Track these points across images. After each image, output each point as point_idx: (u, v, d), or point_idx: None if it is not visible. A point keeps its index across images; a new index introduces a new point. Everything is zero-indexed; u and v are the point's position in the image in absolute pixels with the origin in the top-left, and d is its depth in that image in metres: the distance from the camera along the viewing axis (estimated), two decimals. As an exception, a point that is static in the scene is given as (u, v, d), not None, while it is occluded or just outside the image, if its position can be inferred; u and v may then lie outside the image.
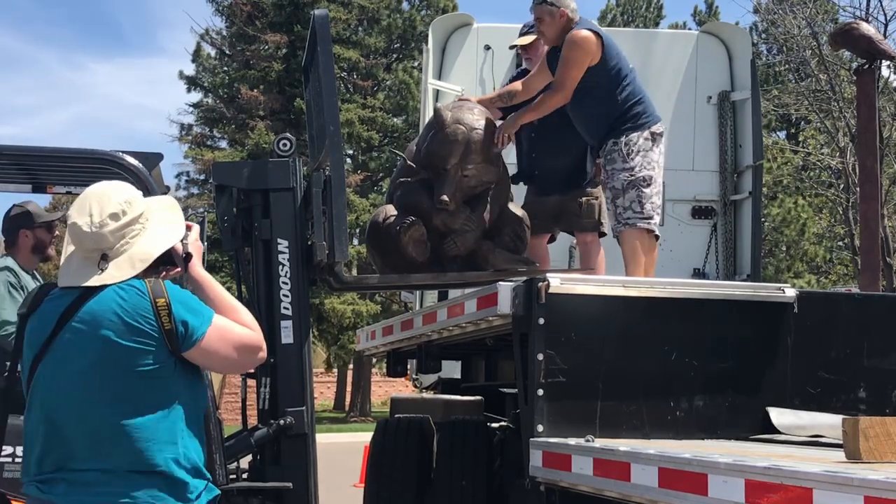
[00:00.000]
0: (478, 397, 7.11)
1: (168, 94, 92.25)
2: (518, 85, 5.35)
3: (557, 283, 3.62)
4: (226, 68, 30.86)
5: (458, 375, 7.63)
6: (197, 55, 30.83)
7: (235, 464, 4.37)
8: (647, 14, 34.76)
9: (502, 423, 5.94)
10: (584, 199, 5.41)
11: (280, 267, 4.29)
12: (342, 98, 29.12)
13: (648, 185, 4.91)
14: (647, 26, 31.60)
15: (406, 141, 28.86)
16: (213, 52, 31.26)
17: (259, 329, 2.73)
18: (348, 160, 30.53)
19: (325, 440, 21.68)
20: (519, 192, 5.78)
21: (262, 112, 28.26)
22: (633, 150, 4.92)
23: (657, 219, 4.94)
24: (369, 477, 6.32)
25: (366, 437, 7.50)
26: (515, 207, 5.22)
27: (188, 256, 2.74)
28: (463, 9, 31.80)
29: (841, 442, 2.71)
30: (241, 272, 4.48)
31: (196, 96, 31.46)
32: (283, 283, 4.27)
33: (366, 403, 30.25)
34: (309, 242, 4.39)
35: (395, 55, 31.98)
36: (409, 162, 5.06)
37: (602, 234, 5.50)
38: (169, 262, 2.71)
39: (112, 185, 2.71)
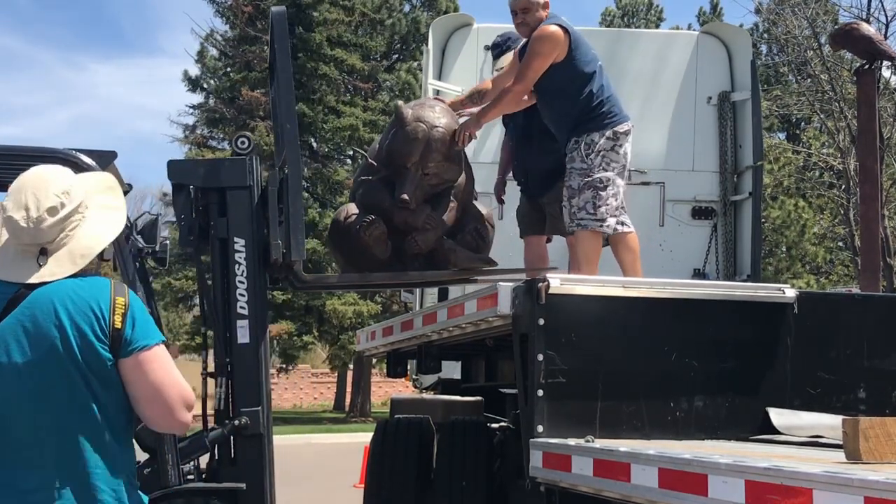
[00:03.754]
0: (478, 398, 7.11)
1: (169, 94, 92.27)
2: (488, 83, 5.37)
3: (557, 283, 3.62)
4: (227, 69, 30.86)
5: (458, 376, 7.63)
6: (200, 56, 30.86)
7: (195, 464, 4.36)
8: (648, 17, 34.73)
9: (502, 424, 5.94)
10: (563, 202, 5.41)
11: (236, 266, 4.25)
12: (343, 101, 29.14)
13: (605, 186, 4.92)
14: (647, 28, 31.58)
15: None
16: (214, 54, 31.27)
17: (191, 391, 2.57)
18: (349, 161, 30.53)
19: (326, 440, 21.72)
20: (517, 192, 5.79)
21: (263, 113, 28.24)
22: (592, 150, 4.94)
23: (610, 221, 4.94)
24: (369, 477, 6.32)
25: (366, 437, 7.50)
26: (479, 206, 5.19)
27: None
28: (464, 10, 31.82)
29: (841, 442, 2.71)
30: (200, 271, 4.47)
31: (197, 98, 31.50)
32: (240, 282, 4.24)
33: (366, 404, 30.25)
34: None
35: (395, 56, 31.98)
36: (370, 160, 5.05)
37: None
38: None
39: (48, 172, 2.55)
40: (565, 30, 4.95)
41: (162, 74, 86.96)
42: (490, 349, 5.57)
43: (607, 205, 4.92)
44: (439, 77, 7.16)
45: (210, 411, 4.48)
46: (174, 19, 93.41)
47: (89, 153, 4.22)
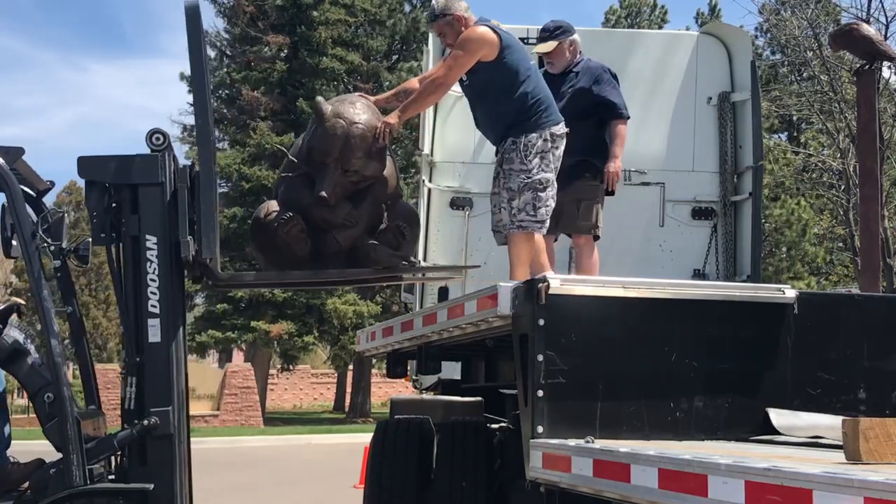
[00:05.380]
0: (478, 398, 7.10)
1: (169, 95, 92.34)
2: (414, 83, 5.41)
3: (558, 284, 3.62)
4: (227, 69, 30.86)
5: (458, 376, 7.63)
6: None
7: (109, 464, 4.34)
8: (652, 18, 34.72)
9: (502, 424, 5.93)
10: (582, 201, 5.43)
11: (148, 264, 4.24)
12: (343, 100, 29.13)
13: (545, 187, 4.99)
14: (650, 29, 31.57)
15: (406, 142, 28.87)
16: (214, 54, 31.26)
17: None
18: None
19: (326, 441, 21.72)
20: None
21: (264, 113, 28.26)
22: (531, 151, 4.98)
23: (548, 221, 5.04)
24: (369, 478, 6.31)
25: (366, 438, 7.49)
26: (403, 204, 5.18)
27: None
28: (464, 10, 31.71)
29: (841, 443, 2.71)
30: (114, 269, 4.44)
31: (197, 97, 31.47)
32: (151, 280, 4.23)
33: (366, 404, 30.26)
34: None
35: (395, 56, 31.98)
36: (290, 157, 5.04)
37: (597, 238, 5.52)
38: None
39: None
40: (495, 32, 5.04)
41: (162, 75, 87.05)
42: (490, 349, 5.57)
43: (546, 206, 5.00)
44: (439, 77, 7.14)
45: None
46: (174, 19, 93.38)
47: None
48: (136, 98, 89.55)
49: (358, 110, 4.80)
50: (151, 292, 4.24)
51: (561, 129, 5.11)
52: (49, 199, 5.95)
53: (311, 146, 4.80)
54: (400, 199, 5.17)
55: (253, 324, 26.55)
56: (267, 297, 26.06)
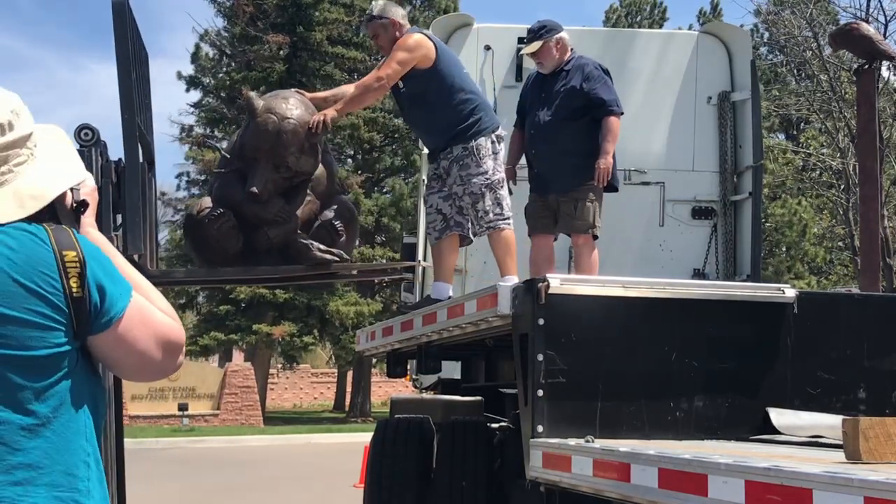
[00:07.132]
0: (478, 398, 7.10)
1: (170, 95, 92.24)
2: (350, 87, 5.45)
3: (557, 283, 3.61)
4: (227, 69, 30.84)
5: (458, 376, 7.63)
6: (197, 56, 30.82)
7: None
8: (652, 17, 34.75)
9: (502, 424, 5.93)
10: (579, 200, 5.43)
11: None
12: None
13: (502, 186, 5.24)
14: (650, 28, 31.58)
15: (407, 141, 28.90)
16: (213, 53, 31.24)
17: (179, 321, 1.90)
18: (350, 161, 30.50)
19: (326, 440, 21.72)
20: (523, 191, 5.79)
21: (263, 113, 28.24)
22: (483, 155, 5.16)
23: (511, 216, 5.29)
24: (369, 477, 6.31)
25: (366, 437, 7.50)
26: (341, 200, 5.17)
27: (81, 206, 1.90)
28: (464, 10, 31.78)
29: (841, 442, 2.70)
30: None
31: (196, 96, 31.47)
32: None
33: (366, 404, 30.26)
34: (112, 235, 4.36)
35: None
36: (223, 153, 5.05)
37: (595, 237, 5.52)
38: (49, 216, 1.82)
39: None
40: (431, 40, 5.22)
41: (163, 75, 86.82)
42: (490, 349, 5.57)
43: (506, 202, 5.24)
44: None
45: None
46: (175, 20, 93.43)
47: None
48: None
49: (291, 106, 4.80)
50: None
51: (502, 131, 5.34)
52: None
53: (243, 142, 4.82)
54: (338, 195, 5.16)
55: (255, 326, 26.54)
56: (269, 297, 26.04)
